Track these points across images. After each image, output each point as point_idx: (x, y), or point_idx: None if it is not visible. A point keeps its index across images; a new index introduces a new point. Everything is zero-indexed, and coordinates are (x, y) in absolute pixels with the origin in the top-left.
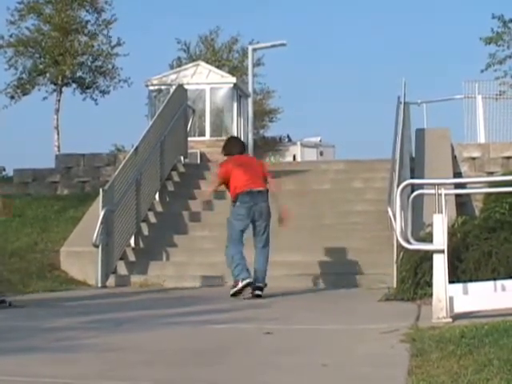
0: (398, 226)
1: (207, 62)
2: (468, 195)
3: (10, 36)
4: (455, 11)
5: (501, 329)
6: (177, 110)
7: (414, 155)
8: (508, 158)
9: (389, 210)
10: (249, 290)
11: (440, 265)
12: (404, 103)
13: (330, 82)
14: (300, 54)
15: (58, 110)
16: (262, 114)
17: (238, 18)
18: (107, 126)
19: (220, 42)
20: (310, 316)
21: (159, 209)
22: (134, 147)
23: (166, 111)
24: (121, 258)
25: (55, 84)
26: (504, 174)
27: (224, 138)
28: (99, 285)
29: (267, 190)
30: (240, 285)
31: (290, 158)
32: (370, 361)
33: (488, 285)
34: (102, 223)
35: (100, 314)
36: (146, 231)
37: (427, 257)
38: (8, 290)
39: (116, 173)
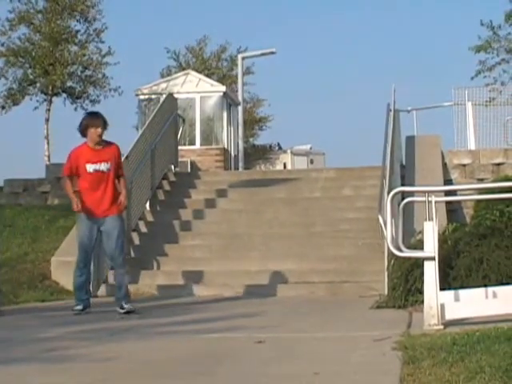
0: (388, 233)
1: (197, 71)
2: (459, 202)
3: (2, 45)
4: (444, 19)
5: (492, 336)
6: (167, 118)
7: (404, 162)
8: (498, 164)
9: (379, 217)
10: None
11: (431, 272)
12: (394, 110)
13: (319, 90)
14: (289, 62)
15: (48, 120)
16: (252, 123)
17: (227, 26)
18: None
19: (209, 51)
20: (301, 324)
21: (150, 218)
22: (125, 156)
23: (157, 120)
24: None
25: (45, 94)
26: (494, 181)
27: (214, 146)
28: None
29: None
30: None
31: (280, 167)
32: (362, 369)
33: (479, 292)
34: None
35: (92, 324)
36: (136, 240)
37: (418, 264)
38: None
39: None
